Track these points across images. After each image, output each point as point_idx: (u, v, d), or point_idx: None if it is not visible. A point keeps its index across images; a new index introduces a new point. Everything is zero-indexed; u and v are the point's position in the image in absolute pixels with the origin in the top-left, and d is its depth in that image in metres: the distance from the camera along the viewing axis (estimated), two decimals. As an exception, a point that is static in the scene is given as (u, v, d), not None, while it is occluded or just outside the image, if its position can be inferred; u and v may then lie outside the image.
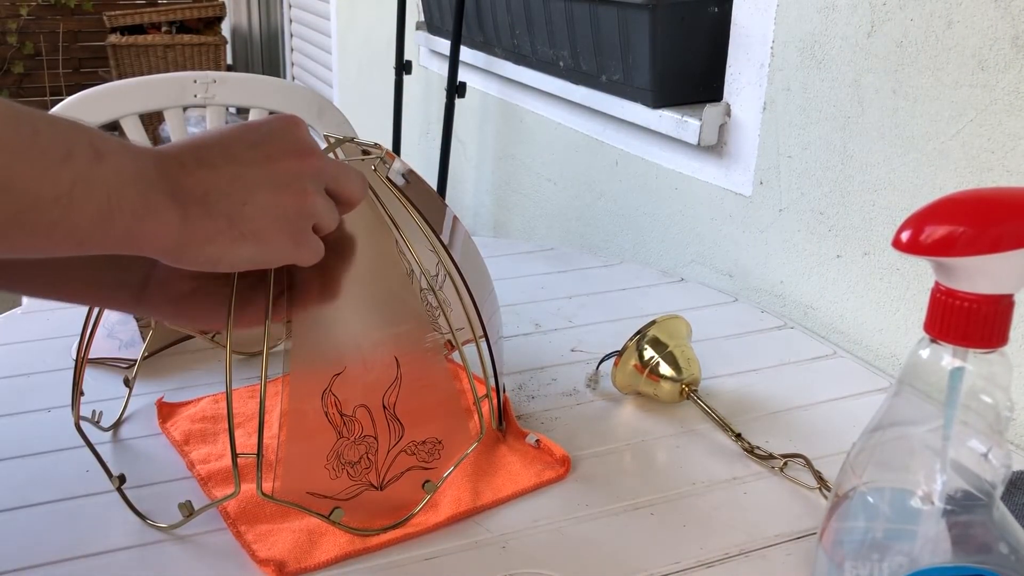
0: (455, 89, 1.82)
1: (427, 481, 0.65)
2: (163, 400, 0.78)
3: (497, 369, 0.72)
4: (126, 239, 0.43)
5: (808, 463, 0.70)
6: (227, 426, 0.59)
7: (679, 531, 0.63)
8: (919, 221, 0.41)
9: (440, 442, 0.66)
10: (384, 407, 0.63)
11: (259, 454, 0.59)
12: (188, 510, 0.62)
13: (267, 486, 0.60)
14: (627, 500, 0.67)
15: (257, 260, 0.48)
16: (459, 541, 0.62)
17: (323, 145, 0.71)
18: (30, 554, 0.60)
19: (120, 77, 2.30)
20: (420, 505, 0.64)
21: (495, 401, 0.73)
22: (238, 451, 0.60)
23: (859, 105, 0.97)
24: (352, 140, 0.71)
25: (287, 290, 0.60)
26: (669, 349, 0.79)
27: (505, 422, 0.74)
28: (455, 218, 0.73)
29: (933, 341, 0.42)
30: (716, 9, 1.19)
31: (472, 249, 0.76)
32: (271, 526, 0.62)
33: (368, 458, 0.63)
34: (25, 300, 0.98)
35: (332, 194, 0.52)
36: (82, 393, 0.70)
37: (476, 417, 0.69)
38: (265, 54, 4.64)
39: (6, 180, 0.38)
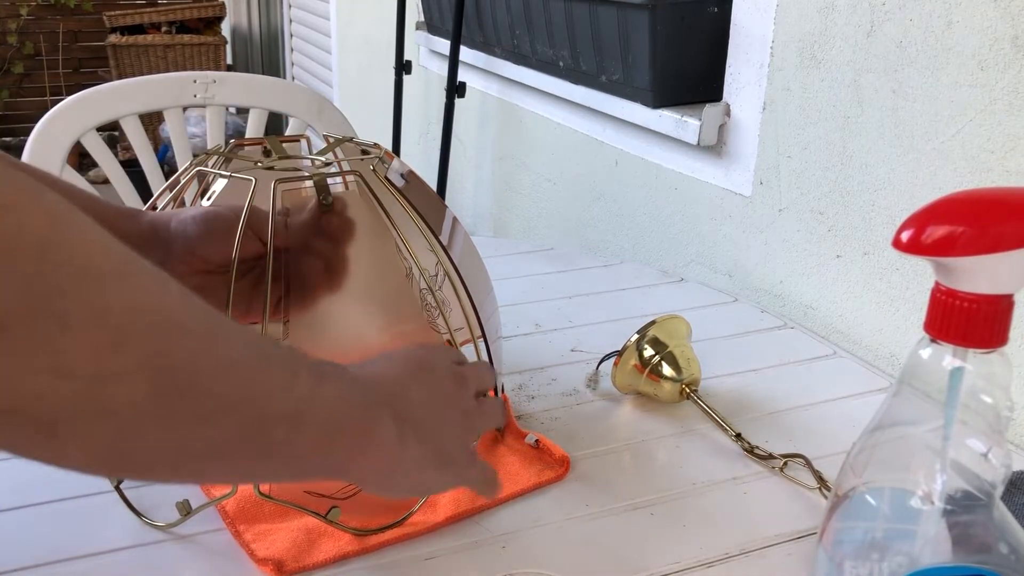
0: (455, 89, 1.82)
1: (426, 481, 0.64)
2: (162, 400, 0.78)
3: (495, 369, 0.72)
4: (344, 463, 0.44)
5: (808, 463, 0.70)
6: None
7: (679, 531, 0.63)
8: (919, 221, 0.41)
9: (439, 442, 0.65)
10: (383, 407, 0.63)
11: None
12: (186, 509, 0.62)
13: (264, 485, 0.60)
14: (627, 500, 0.67)
15: (451, 487, 0.54)
16: (459, 541, 0.62)
17: (322, 144, 0.71)
18: (30, 554, 0.60)
19: (120, 77, 2.30)
20: (418, 504, 0.64)
21: (494, 401, 0.73)
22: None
23: (859, 105, 0.97)
24: (351, 140, 0.71)
25: (290, 286, 0.60)
26: (669, 349, 0.79)
27: (504, 422, 0.74)
28: (455, 218, 0.73)
29: (933, 341, 0.42)
30: (716, 9, 1.18)
31: (471, 249, 0.75)
32: (269, 525, 0.62)
33: (367, 458, 0.62)
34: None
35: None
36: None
37: (475, 417, 0.69)
38: (265, 54, 4.63)
39: (241, 397, 0.38)
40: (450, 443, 0.50)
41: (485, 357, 0.71)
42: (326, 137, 0.73)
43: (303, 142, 0.79)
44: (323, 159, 0.68)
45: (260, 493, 0.60)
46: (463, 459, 0.51)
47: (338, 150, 0.71)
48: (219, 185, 0.66)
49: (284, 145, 0.73)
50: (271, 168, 0.68)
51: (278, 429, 0.40)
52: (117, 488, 0.65)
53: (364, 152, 0.70)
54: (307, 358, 0.42)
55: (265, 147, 0.73)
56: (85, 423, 0.33)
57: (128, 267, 0.34)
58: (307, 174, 0.63)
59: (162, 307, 0.35)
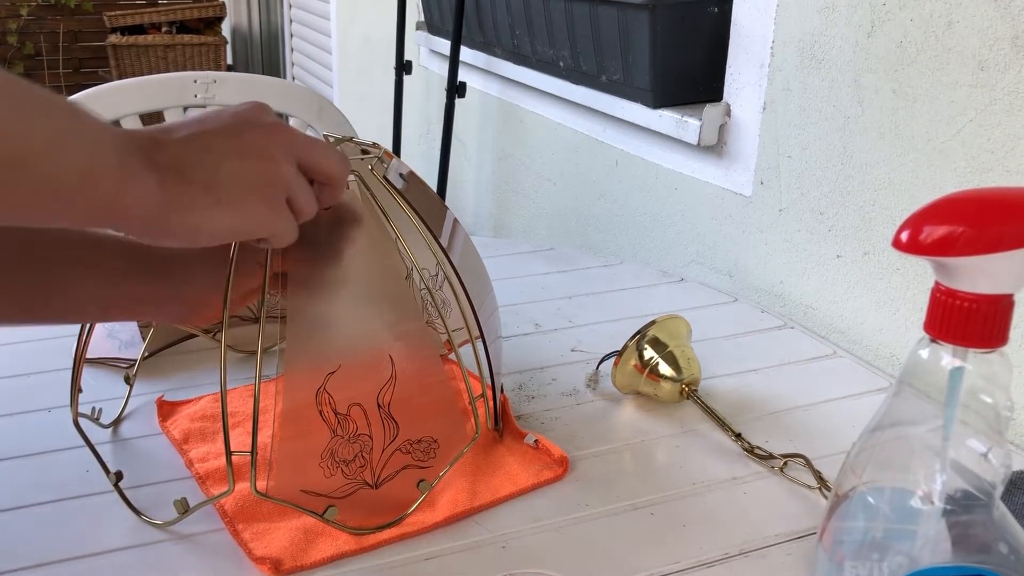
0: (455, 89, 1.82)
1: (422, 480, 0.64)
2: (163, 399, 0.78)
3: (494, 369, 0.72)
4: (110, 204, 0.44)
5: (808, 463, 0.70)
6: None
7: (679, 531, 0.63)
8: (919, 221, 0.41)
9: (436, 441, 0.65)
10: (379, 406, 0.63)
11: (253, 452, 0.59)
12: (183, 507, 0.62)
13: (261, 484, 0.60)
14: (627, 500, 0.67)
15: (236, 229, 0.49)
16: (458, 541, 0.62)
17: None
18: (30, 554, 0.59)
19: (120, 77, 2.30)
20: (415, 504, 0.64)
21: (491, 401, 0.73)
22: (236, 449, 0.60)
23: (859, 105, 0.97)
24: (351, 139, 0.71)
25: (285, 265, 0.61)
26: (669, 349, 0.79)
27: (503, 422, 0.74)
28: (455, 219, 0.73)
29: (933, 341, 0.42)
30: (716, 9, 1.18)
31: (471, 249, 0.75)
32: (268, 524, 0.62)
33: (363, 456, 0.62)
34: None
35: (309, 171, 0.53)
36: (80, 390, 0.70)
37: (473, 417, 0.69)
38: (265, 54, 4.64)
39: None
40: (230, 183, 0.48)
41: (484, 358, 0.71)
42: (326, 137, 0.73)
43: (303, 142, 0.78)
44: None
45: (258, 492, 0.59)
46: (258, 203, 0.50)
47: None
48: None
49: (284, 145, 0.73)
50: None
51: (37, 164, 0.41)
52: (116, 486, 0.65)
53: (364, 152, 0.70)
54: (63, 97, 0.44)
55: (265, 147, 0.73)
56: None
57: None
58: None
59: None
